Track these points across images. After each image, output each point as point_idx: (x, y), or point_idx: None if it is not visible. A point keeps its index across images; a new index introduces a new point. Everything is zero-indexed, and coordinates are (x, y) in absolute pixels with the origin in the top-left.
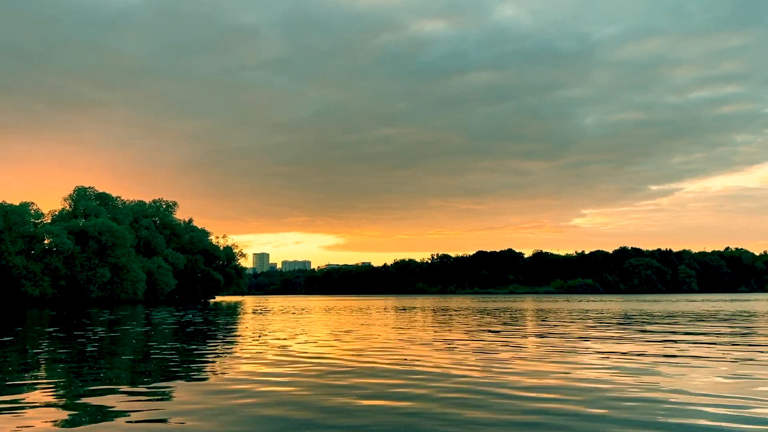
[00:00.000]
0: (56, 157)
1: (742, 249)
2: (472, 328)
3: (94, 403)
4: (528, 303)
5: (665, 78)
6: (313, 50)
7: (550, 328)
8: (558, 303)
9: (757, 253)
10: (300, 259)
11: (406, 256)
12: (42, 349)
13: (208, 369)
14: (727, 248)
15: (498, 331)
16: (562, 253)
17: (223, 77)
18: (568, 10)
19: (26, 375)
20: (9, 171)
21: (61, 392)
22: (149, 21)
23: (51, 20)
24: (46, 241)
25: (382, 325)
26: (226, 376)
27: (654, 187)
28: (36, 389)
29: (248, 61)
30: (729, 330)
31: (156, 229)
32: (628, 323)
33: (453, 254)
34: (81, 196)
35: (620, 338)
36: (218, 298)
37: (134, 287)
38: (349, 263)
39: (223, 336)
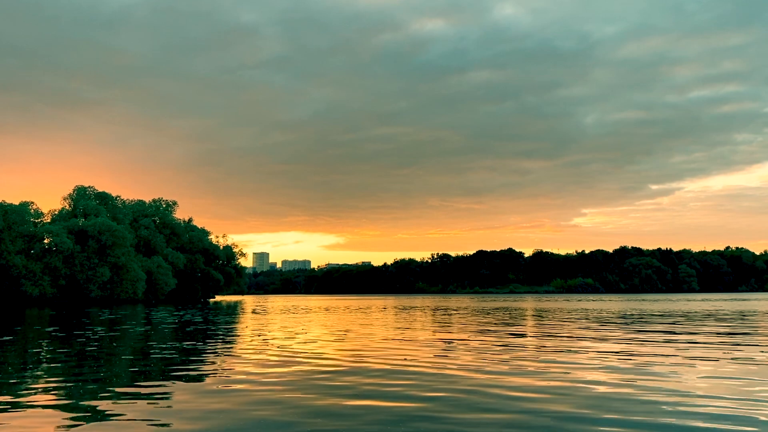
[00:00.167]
0: (56, 157)
1: (742, 248)
2: (471, 328)
3: (93, 403)
4: (528, 302)
5: (665, 77)
6: (312, 49)
7: (550, 327)
8: (558, 302)
9: (757, 253)
10: (300, 258)
11: (406, 255)
12: (41, 348)
13: (207, 369)
14: (728, 248)
15: (498, 331)
16: (563, 252)
17: (222, 76)
18: (568, 8)
19: (26, 374)
20: (8, 170)
21: (61, 392)
22: (148, 19)
23: (50, 19)
24: (45, 241)
25: (382, 325)
26: (225, 376)
27: (654, 187)
28: (36, 389)
29: (248, 60)
30: (729, 330)
31: (156, 228)
32: (628, 323)
33: (453, 254)
34: (80, 195)
35: (620, 338)
36: (218, 298)
37: (134, 287)
38: (349, 263)
39: (223, 335)
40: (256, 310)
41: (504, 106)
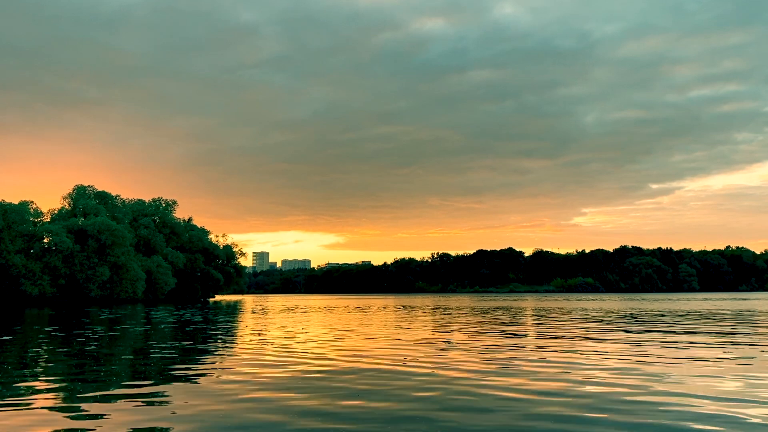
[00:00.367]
0: (55, 156)
1: (742, 248)
2: (471, 328)
3: (93, 403)
4: (528, 302)
5: (666, 76)
6: (312, 48)
7: (550, 327)
8: (558, 302)
9: (757, 252)
10: (300, 258)
11: (406, 254)
12: (41, 348)
13: (207, 369)
14: (728, 247)
15: (497, 331)
16: (563, 251)
17: (222, 75)
18: (568, 8)
19: (25, 374)
20: (8, 170)
21: (61, 392)
22: (148, 19)
23: (50, 19)
24: (45, 240)
25: (382, 325)
26: (225, 375)
27: (654, 186)
28: (35, 388)
29: (247, 60)
30: (729, 329)
31: (155, 227)
32: (628, 322)
33: (453, 253)
34: (80, 194)
35: (620, 338)
36: (218, 297)
37: (134, 286)
38: (349, 262)
39: (223, 335)
40: (256, 310)
41: (504, 105)
